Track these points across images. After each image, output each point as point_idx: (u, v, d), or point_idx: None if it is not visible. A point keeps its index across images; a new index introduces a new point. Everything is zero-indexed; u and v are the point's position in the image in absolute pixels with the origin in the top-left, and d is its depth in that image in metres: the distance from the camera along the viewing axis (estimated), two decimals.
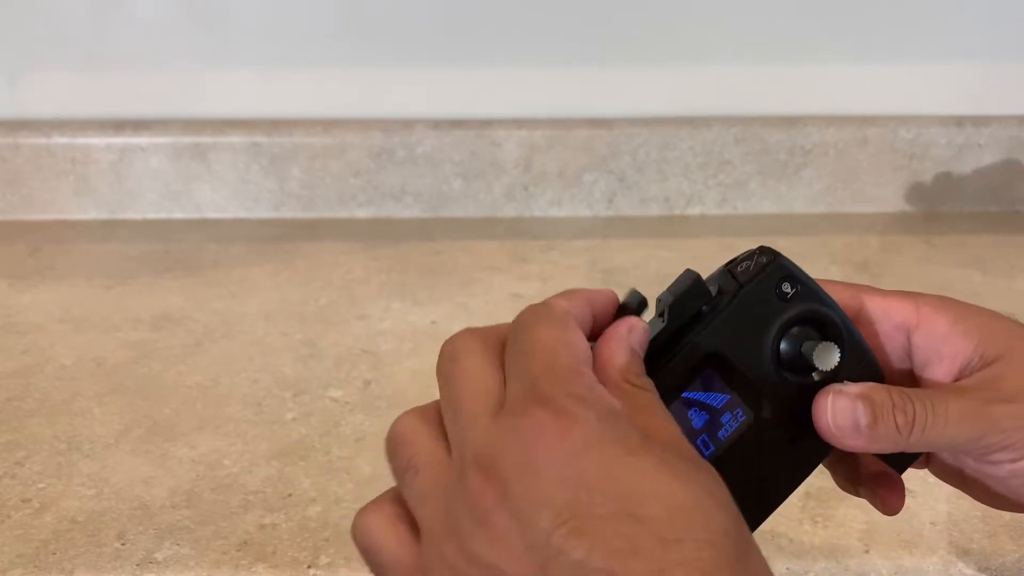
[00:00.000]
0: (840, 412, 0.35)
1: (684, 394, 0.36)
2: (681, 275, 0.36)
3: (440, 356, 0.32)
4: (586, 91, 1.03)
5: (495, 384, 0.30)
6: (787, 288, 0.37)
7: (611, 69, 1.02)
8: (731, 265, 0.38)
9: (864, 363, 0.37)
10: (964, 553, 0.55)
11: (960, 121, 1.04)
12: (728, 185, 1.04)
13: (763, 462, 0.36)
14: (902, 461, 0.39)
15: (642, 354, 0.33)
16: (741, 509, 0.32)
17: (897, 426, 0.35)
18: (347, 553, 0.55)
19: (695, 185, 1.04)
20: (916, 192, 1.06)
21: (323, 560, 0.54)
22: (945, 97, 1.05)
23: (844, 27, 1.02)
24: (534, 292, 0.85)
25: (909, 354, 0.38)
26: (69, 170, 1.01)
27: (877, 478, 0.40)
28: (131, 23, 0.99)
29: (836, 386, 0.36)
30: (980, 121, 1.04)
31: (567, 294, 0.33)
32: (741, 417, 0.36)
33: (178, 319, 0.82)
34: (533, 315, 0.31)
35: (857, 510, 0.58)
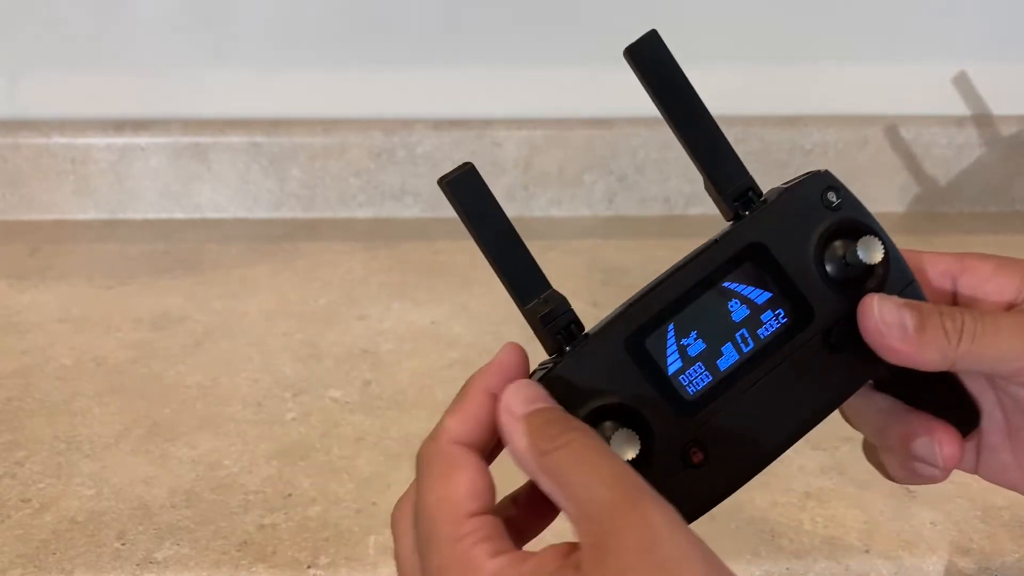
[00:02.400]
0: (887, 311, 0.35)
1: (724, 283, 0.36)
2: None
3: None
4: (586, 91, 1.03)
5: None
6: (833, 197, 0.37)
7: (611, 69, 1.02)
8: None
9: (908, 287, 0.37)
10: (964, 553, 0.55)
11: (960, 121, 1.04)
12: None
13: (801, 370, 0.36)
14: (966, 417, 0.38)
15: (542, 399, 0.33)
16: (773, 421, 0.34)
17: (945, 331, 0.34)
18: (347, 553, 0.55)
19: (695, 185, 1.03)
20: (916, 192, 1.06)
21: (323, 560, 0.54)
22: (945, 97, 1.05)
23: (844, 27, 1.02)
24: None
25: (955, 301, 0.38)
26: (69, 170, 1.01)
27: (932, 427, 0.38)
28: (131, 23, 0.99)
29: (883, 294, 0.36)
30: (980, 121, 1.04)
31: (457, 406, 0.33)
32: (783, 318, 0.36)
33: (178, 319, 0.82)
34: (422, 469, 0.33)
35: (857, 510, 0.58)
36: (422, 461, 0.33)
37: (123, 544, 0.56)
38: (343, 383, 0.72)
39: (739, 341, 0.35)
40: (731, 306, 0.35)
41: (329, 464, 0.63)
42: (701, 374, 0.35)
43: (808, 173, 0.37)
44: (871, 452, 0.41)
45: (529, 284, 0.36)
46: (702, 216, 1.05)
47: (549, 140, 1.01)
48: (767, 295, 0.36)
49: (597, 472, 0.29)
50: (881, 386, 0.39)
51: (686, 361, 0.35)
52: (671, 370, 0.35)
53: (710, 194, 0.38)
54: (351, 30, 1.00)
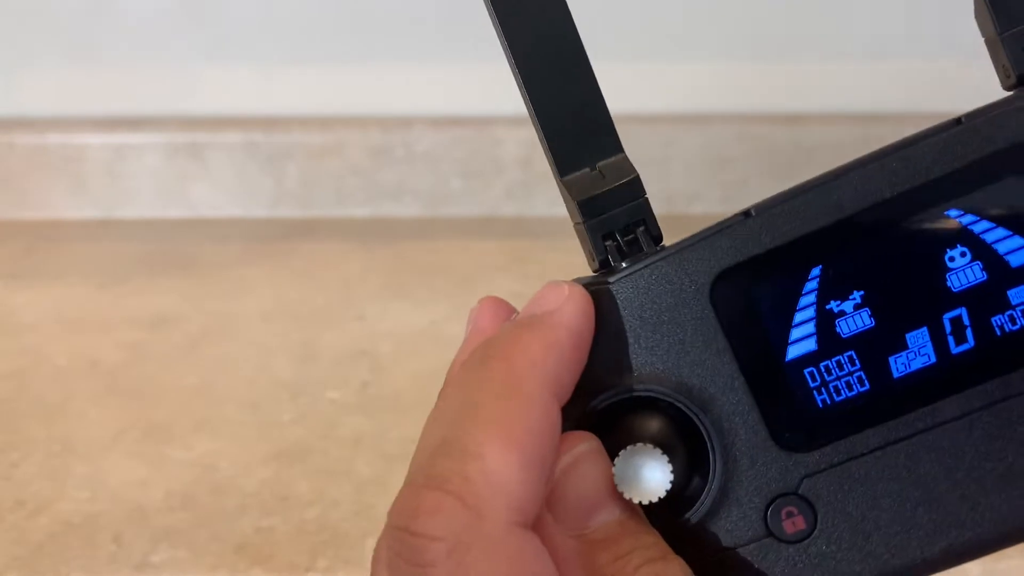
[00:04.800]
0: None
1: (950, 210, 0.19)
2: None
3: None
4: None
5: None
6: None
7: (611, 67, 1.01)
8: None
9: None
10: None
11: (962, 120, 1.03)
12: (730, 183, 1.03)
13: None
14: None
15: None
16: (971, 498, 0.18)
17: None
18: (345, 556, 0.55)
19: (696, 183, 1.03)
20: None
21: (321, 563, 0.54)
22: (948, 95, 1.04)
23: (846, 24, 1.02)
24: (534, 292, 0.84)
25: None
26: (64, 168, 1.01)
27: None
28: (126, 20, 0.99)
29: None
30: None
31: (502, 413, 0.22)
32: None
33: (174, 319, 0.82)
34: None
35: None
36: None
37: (119, 547, 0.55)
38: (341, 384, 0.72)
39: (947, 329, 0.19)
40: (950, 258, 0.20)
41: (327, 466, 0.62)
42: (849, 375, 0.20)
43: None
44: None
45: (583, 139, 0.20)
46: (704, 214, 1.04)
47: None
48: None
49: None
50: None
51: (827, 344, 0.19)
52: (792, 354, 0.20)
53: (983, 32, 0.20)
54: (349, 27, 1.00)
